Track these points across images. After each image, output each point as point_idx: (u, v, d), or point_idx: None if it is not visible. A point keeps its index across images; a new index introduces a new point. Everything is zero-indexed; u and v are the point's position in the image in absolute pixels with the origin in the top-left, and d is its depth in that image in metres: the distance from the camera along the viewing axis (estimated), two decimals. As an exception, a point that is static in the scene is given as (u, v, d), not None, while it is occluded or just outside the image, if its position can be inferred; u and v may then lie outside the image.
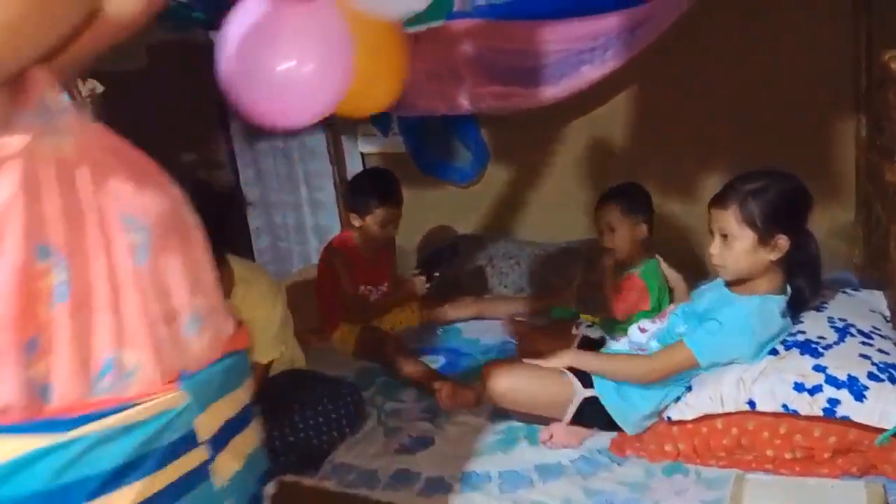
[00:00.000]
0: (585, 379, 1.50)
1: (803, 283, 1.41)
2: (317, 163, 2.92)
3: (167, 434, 0.68)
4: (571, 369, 1.50)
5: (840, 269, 1.95)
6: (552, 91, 2.16)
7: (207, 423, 0.73)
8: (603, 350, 1.64)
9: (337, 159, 2.88)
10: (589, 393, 1.48)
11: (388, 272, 2.27)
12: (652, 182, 2.04)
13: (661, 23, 1.99)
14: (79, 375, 0.63)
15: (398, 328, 2.24)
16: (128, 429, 0.65)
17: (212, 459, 0.73)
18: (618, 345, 1.62)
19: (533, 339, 1.86)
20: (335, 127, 2.82)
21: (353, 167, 2.87)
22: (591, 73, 2.10)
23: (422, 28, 2.22)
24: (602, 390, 1.47)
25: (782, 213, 1.34)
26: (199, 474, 0.72)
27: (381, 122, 2.69)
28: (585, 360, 1.49)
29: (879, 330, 1.35)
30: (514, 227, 2.62)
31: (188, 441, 0.70)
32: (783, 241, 1.34)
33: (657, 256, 1.80)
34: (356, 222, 2.14)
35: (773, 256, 1.35)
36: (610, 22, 2.01)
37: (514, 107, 2.25)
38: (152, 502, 0.67)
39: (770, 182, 1.37)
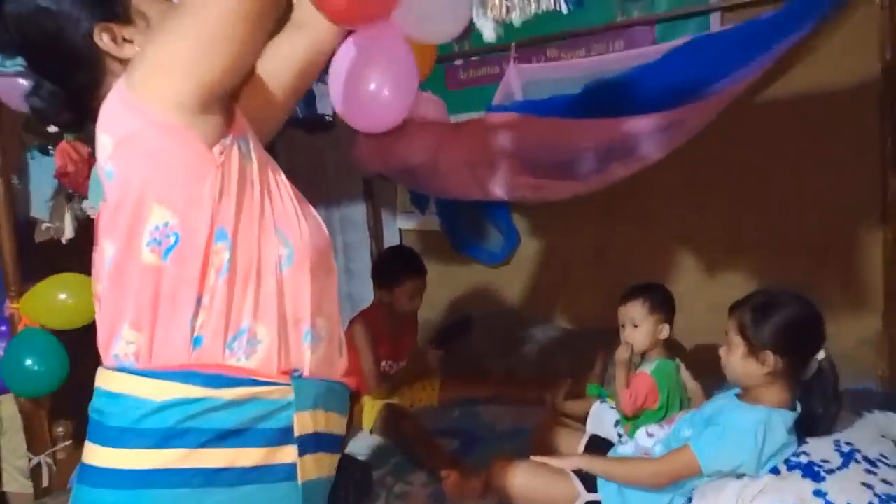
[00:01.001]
0: (590, 481, 1.52)
1: (816, 405, 1.42)
2: (355, 234, 3.08)
3: (270, 419, 0.85)
4: (578, 470, 1.55)
5: (866, 380, 1.95)
6: (581, 185, 2.26)
7: (304, 424, 0.88)
8: (610, 452, 1.68)
9: (375, 232, 3.05)
10: (592, 497, 1.50)
11: (409, 348, 2.37)
12: (679, 281, 2.10)
13: (691, 128, 2.09)
14: (221, 334, 0.83)
15: (417, 405, 2.30)
16: (243, 401, 0.84)
17: (300, 457, 0.87)
18: (625, 448, 1.65)
19: (546, 432, 1.90)
20: (376, 201, 3.00)
21: (390, 240, 3.03)
22: (619, 170, 2.19)
23: (463, 118, 2.39)
24: (605, 495, 1.50)
25: (770, 332, 1.38)
26: (286, 470, 0.87)
27: (419, 200, 2.85)
28: (592, 464, 1.53)
29: (887, 459, 1.35)
30: (540, 309, 2.69)
31: (286, 433, 0.86)
32: (771, 359, 1.37)
33: (677, 360, 1.84)
34: (386, 297, 2.25)
35: (764, 371, 1.38)
36: (640, 123, 2.12)
37: (545, 198, 2.37)
38: (240, 474, 0.84)
39: (771, 300, 1.42)
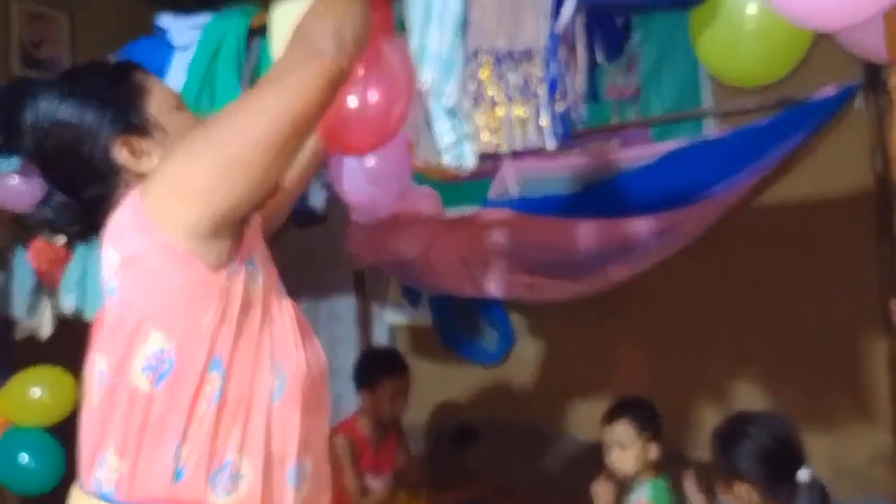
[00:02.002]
0: None
1: None
2: (342, 328, 3.03)
3: None
4: None
5: (879, 499, 1.87)
6: (577, 287, 2.24)
7: None
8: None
9: (364, 327, 2.99)
10: None
11: (392, 460, 2.27)
12: (682, 389, 2.05)
13: (689, 231, 2.09)
14: (204, 467, 0.81)
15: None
16: None
17: None
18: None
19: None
20: (366, 295, 2.97)
21: (380, 336, 2.97)
22: (616, 272, 2.18)
23: (457, 212, 2.41)
24: None
25: (737, 461, 1.36)
26: None
27: (411, 294, 2.82)
28: None
29: None
30: (536, 414, 2.61)
31: None
32: (744, 489, 1.34)
33: (667, 474, 1.76)
34: (367, 399, 2.17)
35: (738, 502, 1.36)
36: (638, 225, 2.13)
37: (541, 297, 2.34)
38: None
39: (735, 426, 1.41)
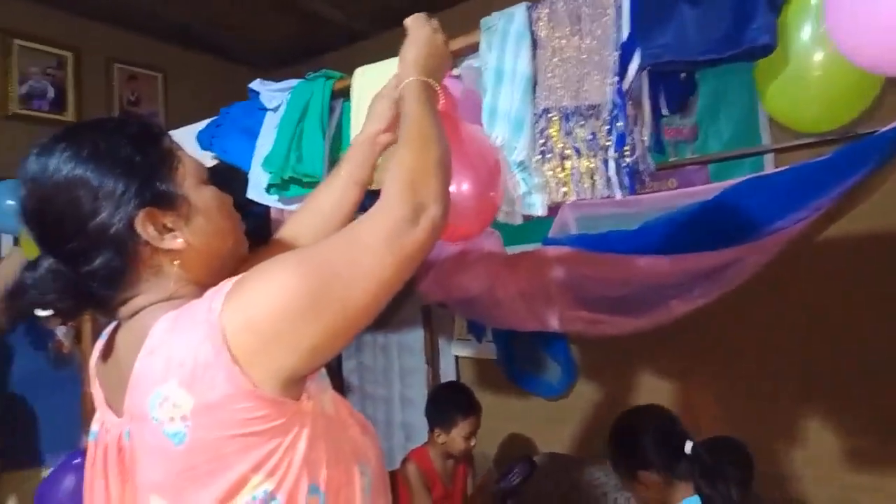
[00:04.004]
0: None
1: (710, 494, 1.47)
2: (412, 359, 3.08)
3: None
4: None
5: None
6: (638, 322, 2.21)
7: None
8: None
9: (432, 359, 3.04)
10: None
11: (462, 491, 2.28)
12: (744, 426, 1.98)
13: (750, 267, 2.04)
14: None
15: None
16: None
17: None
18: None
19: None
20: (433, 329, 3.02)
21: (446, 367, 3.01)
22: (678, 307, 2.15)
23: (517, 249, 2.43)
24: None
25: (621, 456, 1.63)
26: None
27: (476, 328, 2.84)
28: None
29: None
30: (599, 447, 2.56)
31: None
32: (645, 476, 1.54)
33: None
34: (441, 438, 2.19)
35: (649, 491, 1.55)
36: (698, 261, 2.10)
37: (602, 333, 2.32)
38: None
39: (628, 424, 1.71)
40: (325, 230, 1.04)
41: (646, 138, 1.02)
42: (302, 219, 1.08)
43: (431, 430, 2.23)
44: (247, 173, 1.49)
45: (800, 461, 2.08)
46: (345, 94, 1.40)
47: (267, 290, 0.69)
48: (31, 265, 0.79)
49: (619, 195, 1.02)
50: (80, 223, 0.75)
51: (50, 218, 0.76)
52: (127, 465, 0.77)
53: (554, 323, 2.39)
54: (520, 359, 2.72)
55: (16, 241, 2.21)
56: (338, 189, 1.08)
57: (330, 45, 3.30)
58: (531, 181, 1.10)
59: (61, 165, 0.75)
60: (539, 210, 1.09)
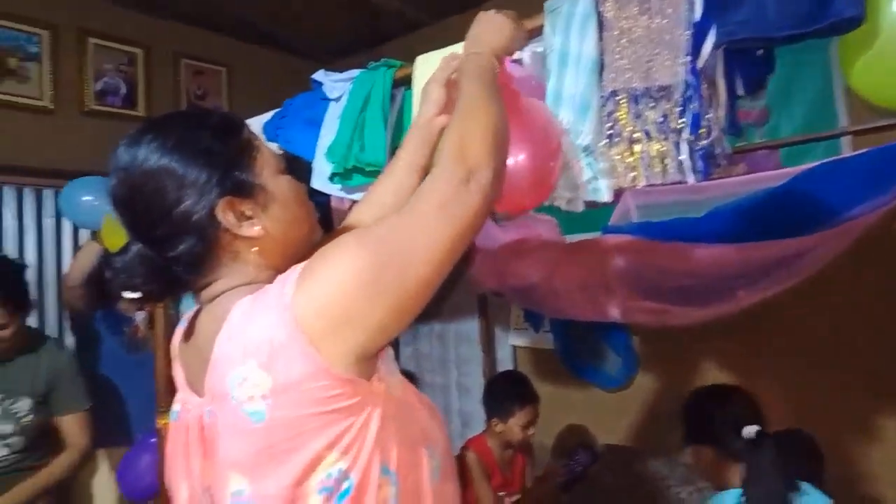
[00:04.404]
0: None
1: (756, 485, 1.40)
2: (469, 349, 3.07)
3: None
4: None
5: None
6: (703, 312, 2.14)
7: None
8: None
9: (488, 347, 3.02)
10: None
11: (521, 479, 2.26)
12: (811, 419, 1.89)
13: (823, 255, 1.94)
14: None
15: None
16: None
17: None
18: None
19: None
20: (489, 318, 3.00)
21: (503, 357, 2.99)
22: (746, 298, 2.07)
23: (577, 238, 2.38)
24: None
25: (702, 427, 1.57)
26: None
27: (533, 318, 2.81)
28: None
29: None
30: (660, 442, 2.50)
31: None
32: (701, 452, 1.55)
33: None
34: (499, 427, 2.18)
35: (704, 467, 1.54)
36: (768, 250, 2.00)
37: (664, 323, 2.25)
38: None
39: (701, 399, 1.67)
40: (399, 198, 1.05)
41: (721, 120, 0.97)
42: (365, 209, 1.09)
43: (489, 419, 2.22)
44: (311, 163, 1.51)
45: (876, 460, 1.97)
46: (406, 82, 1.40)
47: (332, 272, 0.71)
48: (122, 250, 0.83)
49: (691, 180, 0.97)
50: (166, 211, 0.78)
51: (138, 205, 0.80)
52: (208, 443, 0.79)
53: (615, 313, 2.34)
54: (578, 349, 2.68)
55: (93, 235, 2.31)
56: (397, 176, 1.08)
57: (389, 34, 3.31)
58: (596, 166, 1.06)
59: (148, 156, 0.79)
60: (604, 196, 1.06)
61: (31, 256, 2.92)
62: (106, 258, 2.26)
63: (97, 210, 2.06)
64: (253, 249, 0.82)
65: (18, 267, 1.97)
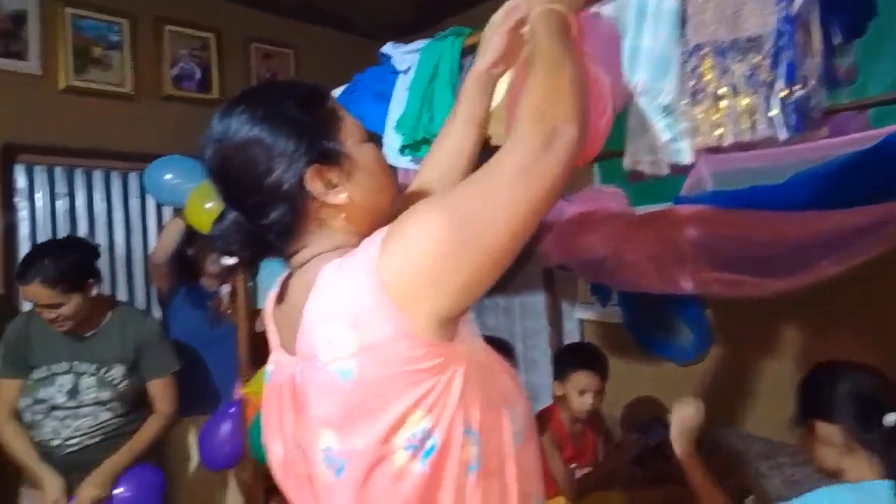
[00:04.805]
0: None
1: None
2: (534, 322, 3.05)
3: None
4: None
5: None
6: (784, 283, 2.03)
7: None
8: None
9: (554, 321, 2.99)
10: None
11: (592, 452, 2.24)
12: None
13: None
14: None
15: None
16: None
17: None
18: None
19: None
20: (556, 291, 2.96)
21: (570, 331, 2.95)
22: (831, 267, 1.95)
23: (648, 209, 2.30)
24: None
25: (823, 401, 1.38)
26: None
27: (600, 292, 2.75)
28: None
29: None
30: (736, 416, 2.42)
31: None
32: (824, 430, 1.35)
33: None
34: (559, 390, 2.15)
35: (827, 446, 1.35)
36: (856, 217, 1.88)
37: (740, 294, 2.16)
38: None
39: (829, 371, 1.46)
40: (450, 175, 1.04)
41: (817, 70, 0.90)
42: (427, 170, 1.08)
43: (553, 383, 2.21)
44: (381, 137, 1.51)
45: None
46: (475, 50, 1.37)
47: (415, 235, 0.72)
48: (219, 218, 0.85)
49: (783, 135, 0.91)
50: (257, 181, 0.81)
51: (231, 176, 0.83)
52: (299, 401, 0.81)
53: (688, 285, 2.25)
54: (649, 322, 2.61)
55: (175, 213, 2.39)
56: (457, 132, 1.06)
57: (453, 9, 3.27)
58: (677, 127, 1.01)
59: (239, 127, 0.81)
60: (686, 157, 1.01)
61: (119, 237, 3.07)
62: (188, 235, 2.35)
63: (179, 189, 2.13)
64: (340, 216, 0.84)
65: (81, 247, 2.06)
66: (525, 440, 0.83)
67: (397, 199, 0.92)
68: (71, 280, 1.93)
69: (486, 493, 0.78)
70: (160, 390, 2.11)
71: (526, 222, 0.73)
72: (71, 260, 1.95)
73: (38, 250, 1.99)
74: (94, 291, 2.01)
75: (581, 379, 2.10)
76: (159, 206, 3.16)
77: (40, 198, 2.86)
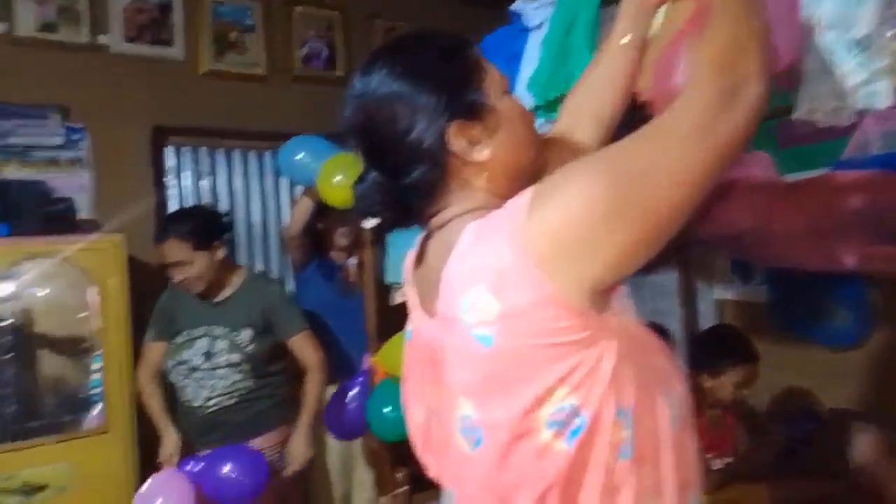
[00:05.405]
0: None
1: None
2: (665, 302, 2.85)
3: None
4: None
5: None
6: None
7: None
8: None
9: (687, 300, 2.78)
10: None
11: (732, 441, 2.05)
12: None
13: None
14: None
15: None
16: None
17: None
18: None
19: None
20: (689, 269, 2.74)
21: (704, 311, 2.72)
22: None
23: (802, 176, 2.06)
24: None
25: None
26: None
27: (741, 269, 2.52)
28: None
29: None
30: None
31: None
32: None
33: None
34: (708, 383, 1.98)
35: None
36: None
37: (917, 272, 1.88)
38: None
39: None
40: (601, 111, 0.96)
41: None
42: (573, 107, 0.99)
43: (696, 375, 2.03)
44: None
45: None
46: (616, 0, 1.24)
47: (569, 195, 0.66)
48: (360, 178, 0.82)
49: None
50: (398, 139, 0.77)
51: (372, 134, 0.79)
52: (437, 365, 0.79)
53: (850, 261, 1.99)
54: (798, 303, 2.35)
55: (306, 191, 2.47)
56: (611, 58, 0.96)
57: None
58: (874, 65, 0.84)
59: (380, 83, 0.78)
60: (883, 100, 0.84)
61: (256, 213, 3.22)
62: (318, 210, 2.42)
63: (309, 167, 2.18)
64: (482, 175, 0.79)
65: (209, 212, 2.23)
66: (682, 426, 0.75)
67: (543, 157, 0.86)
68: (199, 238, 2.07)
69: (639, 480, 0.71)
70: (302, 343, 2.19)
71: (698, 187, 0.65)
72: (200, 220, 2.11)
73: (172, 214, 2.28)
74: (220, 254, 2.13)
75: (740, 374, 1.94)
76: (292, 183, 3.28)
77: (187, 176, 3.05)
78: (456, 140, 0.76)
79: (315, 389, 2.17)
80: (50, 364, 2.16)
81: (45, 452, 2.06)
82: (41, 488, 2.04)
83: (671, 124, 0.67)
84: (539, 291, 0.65)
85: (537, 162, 0.83)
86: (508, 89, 0.83)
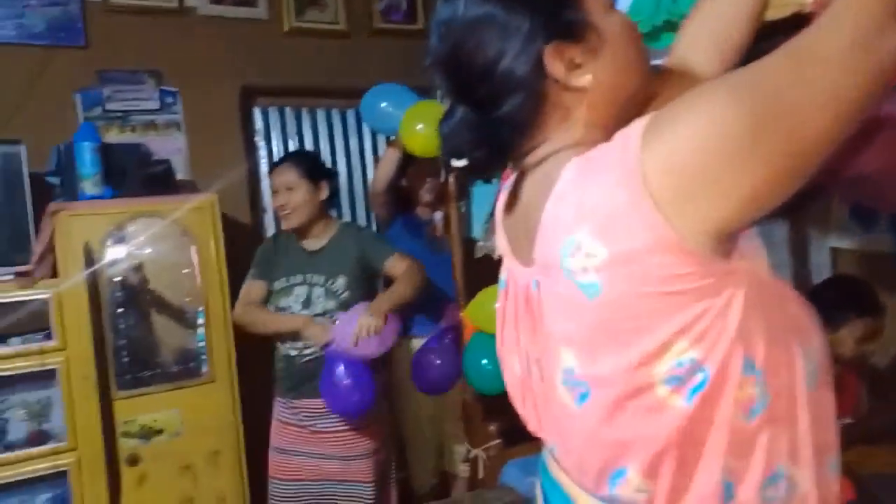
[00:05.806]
0: None
1: None
2: (774, 255, 2.63)
3: None
4: None
5: None
6: None
7: None
8: None
9: (798, 250, 2.55)
10: None
11: (855, 400, 1.88)
12: None
13: None
14: (756, 481, 0.65)
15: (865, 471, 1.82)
16: None
17: None
18: None
19: None
20: (800, 214, 2.51)
21: (818, 263, 2.49)
22: None
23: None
24: None
25: None
26: None
27: (863, 215, 2.27)
28: None
29: None
30: None
31: None
32: None
33: None
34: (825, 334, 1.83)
35: None
36: None
37: None
38: None
39: None
40: (725, 37, 0.84)
41: None
42: (691, 33, 0.87)
43: None
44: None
45: None
46: None
47: (694, 124, 0.57)
48: (446, 115, 0.76)
49: None
50: (489, 66, 0.70)
51: (460, 63, 0.72)
52: (535, 314, 0.73)
53: None
54: (933, 252, 2.10)
55: (388, 142, 2.43)
56: None
57: None
58: None
59: (467, 6, 0.71)
60: None
61: (342, 174, 3.23)
62: (402, 165, 2.38)
63: (393, 116, 2.14)
64: (583, 104, 0.71)
65: (313, 154, 2.53)
66: (820, 384, 0.68)
67: (651, 82, 0.77)
68: (311, 167, 2.20)
69: (772, 441, 0.64)
70: (395, 262, 2.20)
71: (846, 114, 0.55)
72: (314, 158, 2.32)
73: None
74: (323, 195, 2.20)
75: (864, 327, 1.77)
76: (375, 141, 3.26)
77: (275, 136, 3.08)
78: (554, 64, 0.68)
79: (406, 279, 2.17)
80: (159, 319, 2.26)
81: (158, 400, 2.19)
82: (158, 432, 2.18)
83: (817, 45, 0.56)
84: (656, 235, 0.58)
85: (646, 90, 0.75)
86: (613, 4, 0.75)
